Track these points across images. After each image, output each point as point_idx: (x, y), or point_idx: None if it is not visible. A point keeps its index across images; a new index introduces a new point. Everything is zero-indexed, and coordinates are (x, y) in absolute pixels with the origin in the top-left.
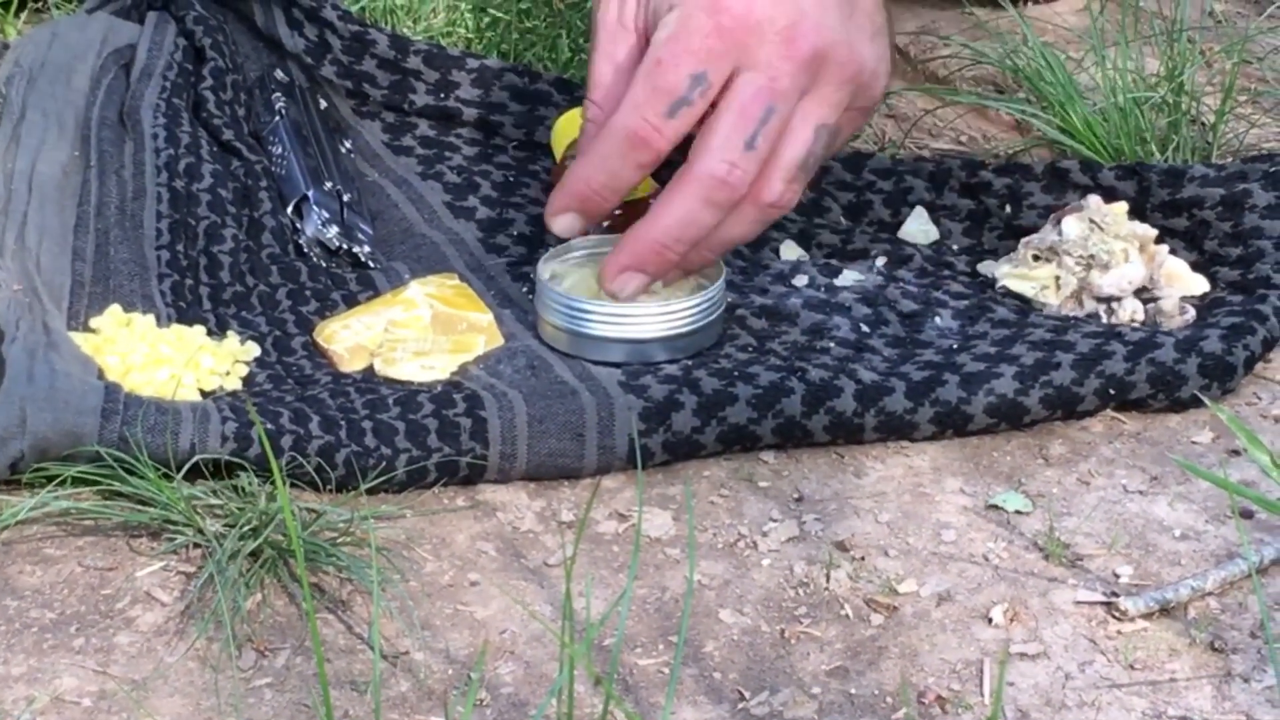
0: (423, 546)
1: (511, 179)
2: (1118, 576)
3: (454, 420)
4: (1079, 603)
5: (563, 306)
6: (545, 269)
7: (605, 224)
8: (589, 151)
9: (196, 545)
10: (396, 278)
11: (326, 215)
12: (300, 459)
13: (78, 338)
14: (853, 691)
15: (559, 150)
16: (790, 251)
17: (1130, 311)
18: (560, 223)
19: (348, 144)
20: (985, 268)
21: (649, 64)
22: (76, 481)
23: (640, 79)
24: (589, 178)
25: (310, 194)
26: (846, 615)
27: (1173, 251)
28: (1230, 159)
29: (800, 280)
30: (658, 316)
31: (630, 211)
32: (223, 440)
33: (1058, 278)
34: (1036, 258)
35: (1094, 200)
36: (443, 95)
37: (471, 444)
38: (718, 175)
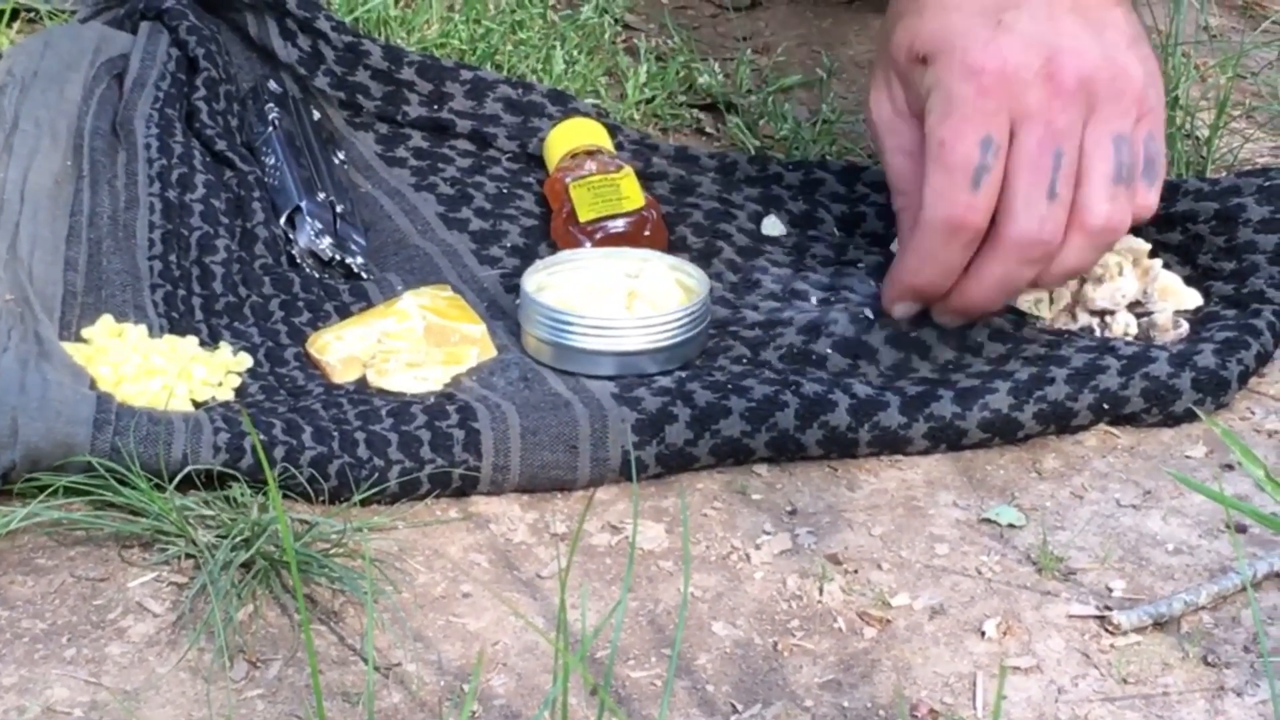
0: (415, 558)
1: (505, 191)
2: (1111, 590)
3: (447, 432)
4: (1072, 616)
5: (547, 319)
6: (531, 281)
7: (598, 237)
8: (912, 248)
9: (189, 556)
10: (389, 289)
11: (319, 226)
12: (293, 470)
13: (70, 348)
14: (845, 704)
15: (552, 162)
16: (773, 228)
17: (1124, 325)
18: (899, 310)
19: (341, 155)
20: None
21: (934, 150)
22: (68, 492)
23: (933, 167)
24: (919, 271)
25: (303, 205)
26: (839, 628)
27: (1166, 266)
28: (1224, 173)
29: (800, 286)
30: (642, 329)
31: (636, 226)
32: (215, 451)
33: (1051, 291)
34: None
35: None
36: (436, 107)
37: (464, 455)
38: (1029, 236)
